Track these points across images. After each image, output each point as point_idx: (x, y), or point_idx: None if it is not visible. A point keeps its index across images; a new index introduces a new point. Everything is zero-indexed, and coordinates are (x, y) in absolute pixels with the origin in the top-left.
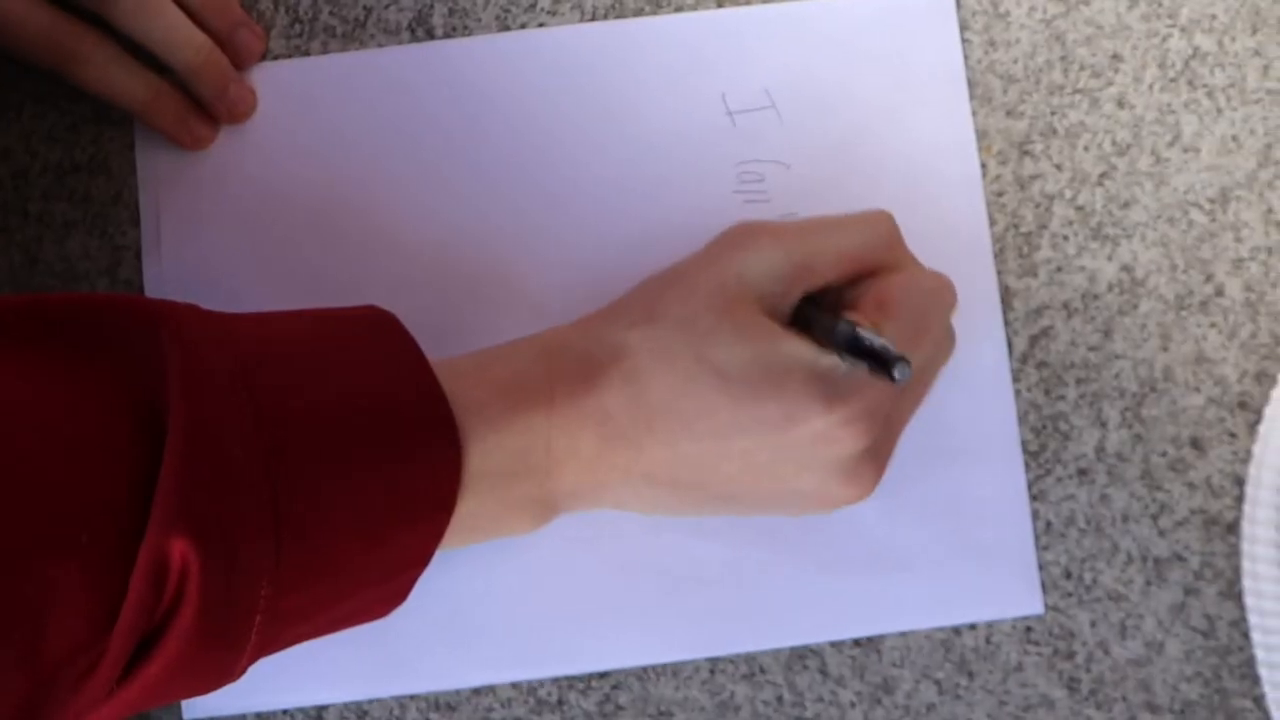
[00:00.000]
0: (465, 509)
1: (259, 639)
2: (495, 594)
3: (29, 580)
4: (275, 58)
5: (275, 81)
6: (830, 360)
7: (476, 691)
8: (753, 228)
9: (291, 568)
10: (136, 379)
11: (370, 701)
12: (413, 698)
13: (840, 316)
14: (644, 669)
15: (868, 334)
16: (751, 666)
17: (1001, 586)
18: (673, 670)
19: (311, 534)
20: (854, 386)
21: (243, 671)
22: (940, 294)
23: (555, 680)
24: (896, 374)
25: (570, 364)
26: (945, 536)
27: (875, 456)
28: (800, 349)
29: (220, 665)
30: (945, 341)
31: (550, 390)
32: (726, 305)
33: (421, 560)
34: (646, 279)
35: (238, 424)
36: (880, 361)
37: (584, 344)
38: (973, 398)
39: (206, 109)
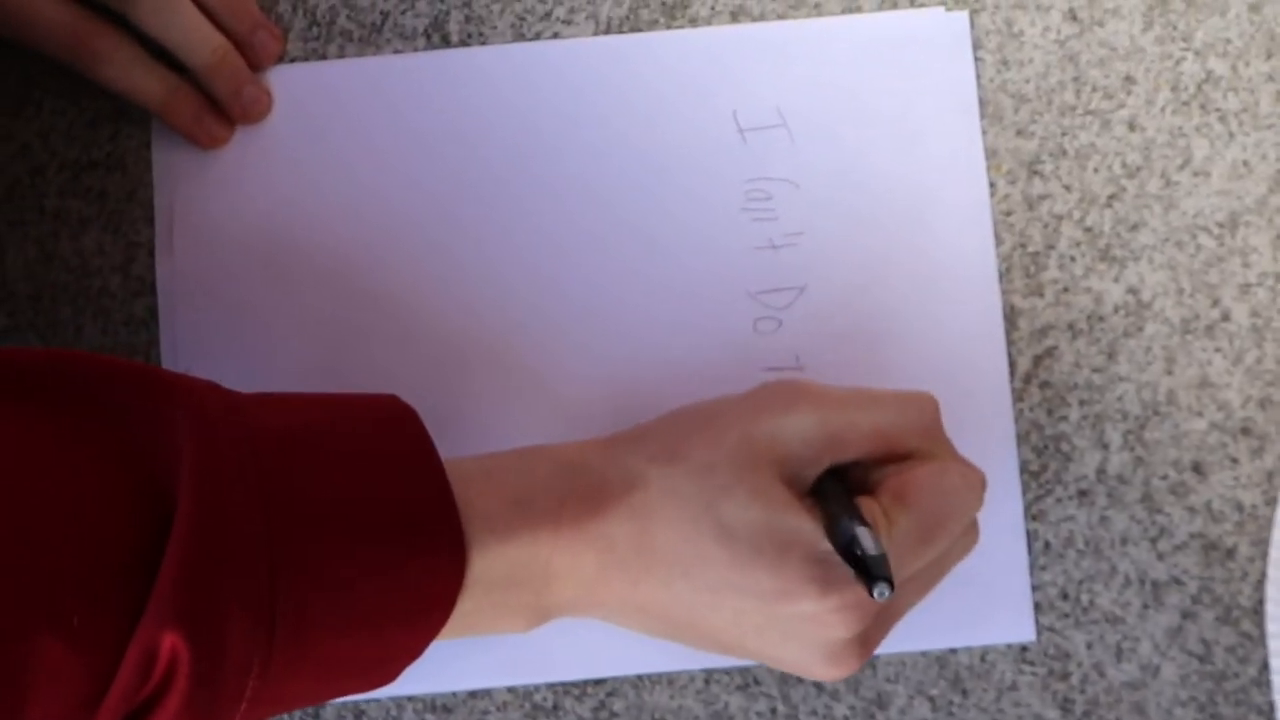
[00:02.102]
0: (460, 609)
1: None
2: None
3: (13, 655)
4: (292, 60)
5: (291, 84)
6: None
7: (473, 695)
8: (794, 389)
9: (282, 662)
10: (144, 454)
11: (367, 701)
12: (409, 699)
13: (853, 503)
14: (639, 678)
15: (866, 540)
16: (746, 678)
17: (994, 612)
18: (668, 680)
19: (306, 630)
20: (850, 576)
21: None
22: (963, 494)
23: (551, 686)
24: (875, 593)
25: (583, 484)
26: None
27: (863, 643)
28: (808, 527)
29: None
30: (964, 540)
31: (559, 508)
32: (749, 462)
33: (411, 655)
34: (680, 409)
35: (245, 518)
36: (866, 575)
37: (600, 466)
38: (972, 422)
39: (222, 109)
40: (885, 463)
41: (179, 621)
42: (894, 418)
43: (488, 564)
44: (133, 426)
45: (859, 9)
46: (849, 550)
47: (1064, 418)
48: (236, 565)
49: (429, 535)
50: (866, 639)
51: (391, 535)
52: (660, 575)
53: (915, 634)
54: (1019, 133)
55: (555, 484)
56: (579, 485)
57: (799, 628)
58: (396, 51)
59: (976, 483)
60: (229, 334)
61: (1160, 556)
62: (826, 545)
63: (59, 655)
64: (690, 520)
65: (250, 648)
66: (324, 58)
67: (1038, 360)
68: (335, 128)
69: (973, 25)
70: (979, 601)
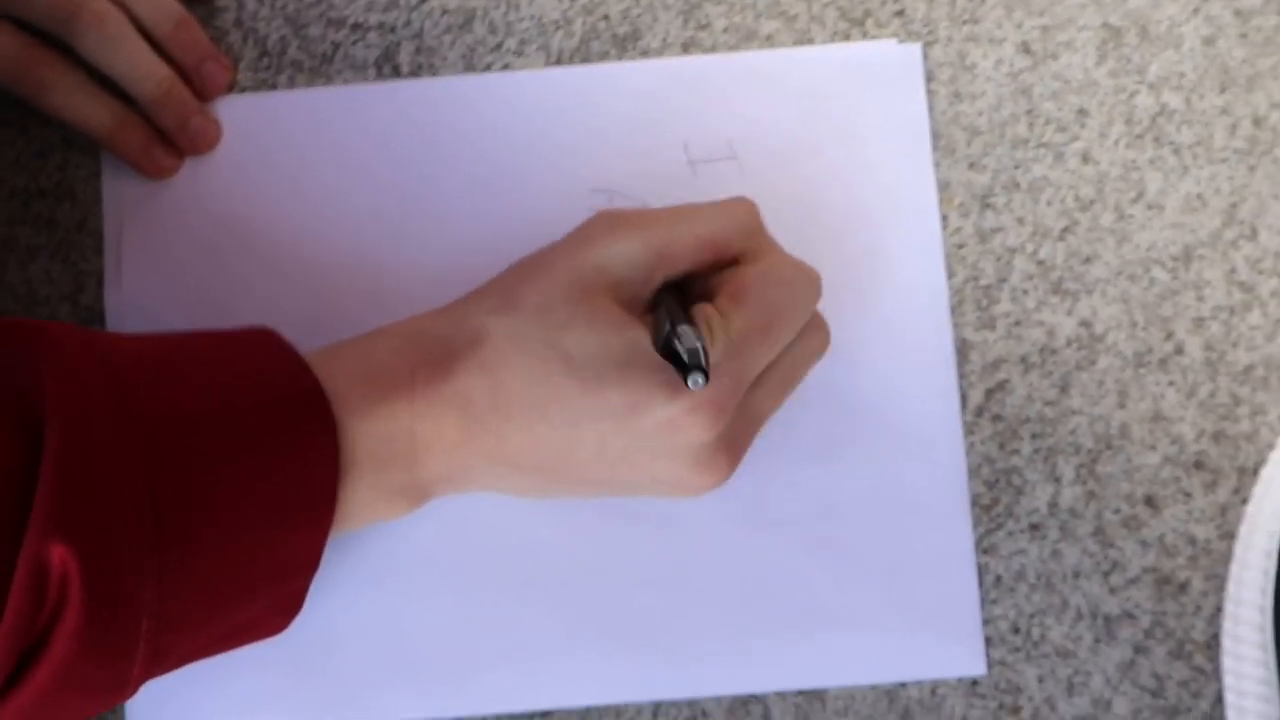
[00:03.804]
0: (340, 499)
1: (148, 648)
2: (439, 630)
3: None
4: (243, 90)
5: (241, 114)
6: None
7: None
8: (613, 217)
9: (177, 570)
10: (15, 395)
11: None
12: None
13: (682, 309)
14: (586, 709)
15: (685, 334)
16: (694, 710)
17: (944, 646)
18: (615, 711)
19: (195, 535)
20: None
21: (135, 687)
22: (798, 284)
23: (498, 717)
24: (690, 382)
25: (430, 350)
26: (889, 594)
27: (729, 445)
28: (647, 339)
29: (110, 676)
30: (813, 334)
31: (411, 377)
32: (582, 295)
33: (310, 562)
34: (510, 266)
35: (113, 431)
36: (681, 366)
37: (444, 329)
38: (922, 454)
39: (170, 139)
40: (718, 270)
41: (62, 530)
42: (713, 224)
43: (353, 444)
44: (2, 370)
45: (811, 41)
46: (670, 348)
47: (1016, 451)
48: (110, 476)
49: (300, 425)
50: (731, 440)
51: (261, 429)
52: (521, 422)
53: (863, 667)
54: (971, 165)
55: (402, 355)
56: (425, 351)
57: (660, 439)
58: (347, 82)
59: (809, 273)
60: None
61: (1113, 590)
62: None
63: None
64: (538, 361)
65: (138, 554)
66: (274, 88)
67: (989, 393)
68: (285, 158)
69: (925, 57)
70: (929, 635)
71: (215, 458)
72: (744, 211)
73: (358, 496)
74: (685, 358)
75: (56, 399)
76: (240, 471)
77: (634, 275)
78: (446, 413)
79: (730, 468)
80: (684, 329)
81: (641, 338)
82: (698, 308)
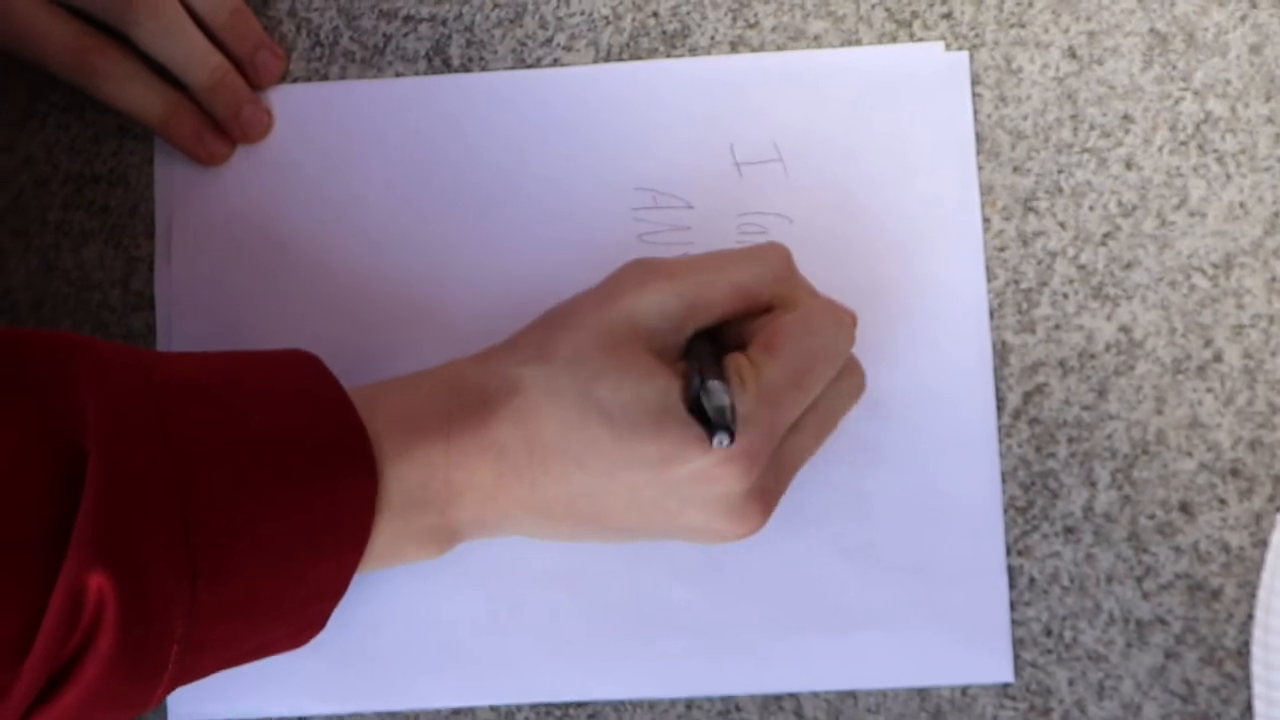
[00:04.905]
0: (372, 537)
1: (176, 668)
2: (478, 620)
3: None
4: (295, 79)
5: (293, 104)
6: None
7: (456, 712)
8: (646, 267)
9: (208, 599)
10: (55, 414)
11: (352, 715)
12: (393, 714)
13: (714, 360)
14: (621, 702)
15: (714, 390)
16: (728, 706)
17: (973, 652)
18: (649, 705)
19: (227, 566)
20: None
21: (159, 701)
22: (830, 331)
23: (534, 706)
24: (715, 441)
25: (467, 398)
26: (919, 599)
27: (762, 495)
28: (682, 390)
29: (137, 694)
30: (847, 378)
31: (447, 424)
32: (615, 345)
33: (337, 591)
34: (544, 314)
35: (153, 458)
36: (708, 425)
37: (480, 378)
38: (957, 458)
39: (222, 127)
40: (753, 317)
41: (100, 558)
42: (746, 272)
43: (388, 486)
44: (42, 387)
45: (858, 41)
46: (698, 404)
47: (1052, 454)
48: (149, 503)
49: (339, 461)
50: (764, 490)
51: (301, 466)
52: (555, 472)
53: (892, 670)
54: (1015, 169)
55: (439, 401)
56: (462, 399)
57: (692, 489)
58: (398, 74)
59: (845, 320)
60: (227, 348)
61: (1145, 596)
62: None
63: None
64: (573, 411)
65: (174, 584)
66: (326, 78)
67: (1027, 396)
68: (335, 148)
69: (971, 61)
70: (958, 640)
71: (253, 489)
72: (776, 258)
73: (388, 537)
74: (711, 415)
75: (100, 423)
76: (277, 505)
77: (666, 325)
78: (482, 461)
79: (764, 517)
80: (713, 385)
81: (674, 388)
82: (730, 357)
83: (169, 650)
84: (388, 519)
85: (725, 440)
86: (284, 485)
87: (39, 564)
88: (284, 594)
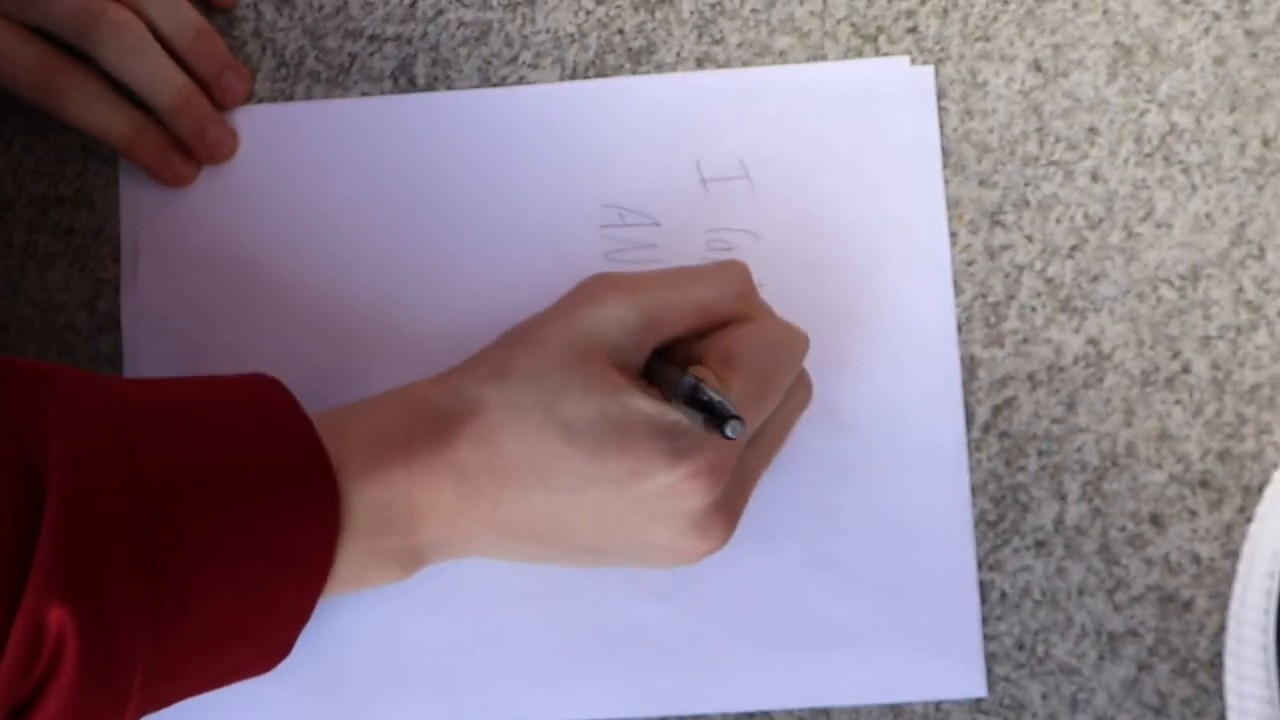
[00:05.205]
0: (336, 561)
1: (141, 697)
2: (447, 643)
3: None
4: (260, 100)
5: (258, 124)
6: (675, 415)
7: None
8: (605, 281)
9: (172, 627)
10: (19, 444)
11: None
12: None
13: (686, 370)
14: None
15: (709, 390)
16: None
17: (945, 667)
18: None
19: (191, 593)
20: (698, 441)
21: None
22: (787, 347)
23: None
24: (729, 431)
25: (427, 418)
26: (891, 614)
27: (726, 509)
28: (646, 404)
29: None
30: (798, 393)
31: (409, 444)
32: (576, 361)
33: (302, 616)
34: (504, 333)
35: (116, 486)
36: (715, 417)
37: (440, 398)
38: (927, 472)
39: (188, 148)
40: (707, 334)
41: (61, 591)
42: (707, 289)
43: (350, 509)
44: (3, 419)
45: (824, 57)
46: (693, 403)
47: (1022, 468)
48: (112, 533)
49: (302, 486)
50: (729, 504)
51: (265, 489)
52: (517, 489)
53: (864, 687)
54: (981, 183)
55: (400, 422)
56: (423, 420)
57: (658, 504)
58: (364, 93)
59: (797, 335)
60: (193, 370)
61: (1117, 608)
62: (669, 417)
63: None
64: (535, 428)
65: (137, 615)
66: (292, 98)
67: (996, 410)
68: (302, 168)
69: (937, 74)
70: (930, 656)
71: (216, 516)
72: (736, 275)
73: (352, 560)
74: (716, 408)
75: (61, 453)
76: (240, 530)
77: (627, 340)
78: (444, 481)
79: (728, 532)
80: (706, 386)
81: (641, 403)
82: (693, 370)
83: (132, 680)
84: (352, 542)
85: (739, 428)
86: (247, 510)
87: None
88: (249, 619)
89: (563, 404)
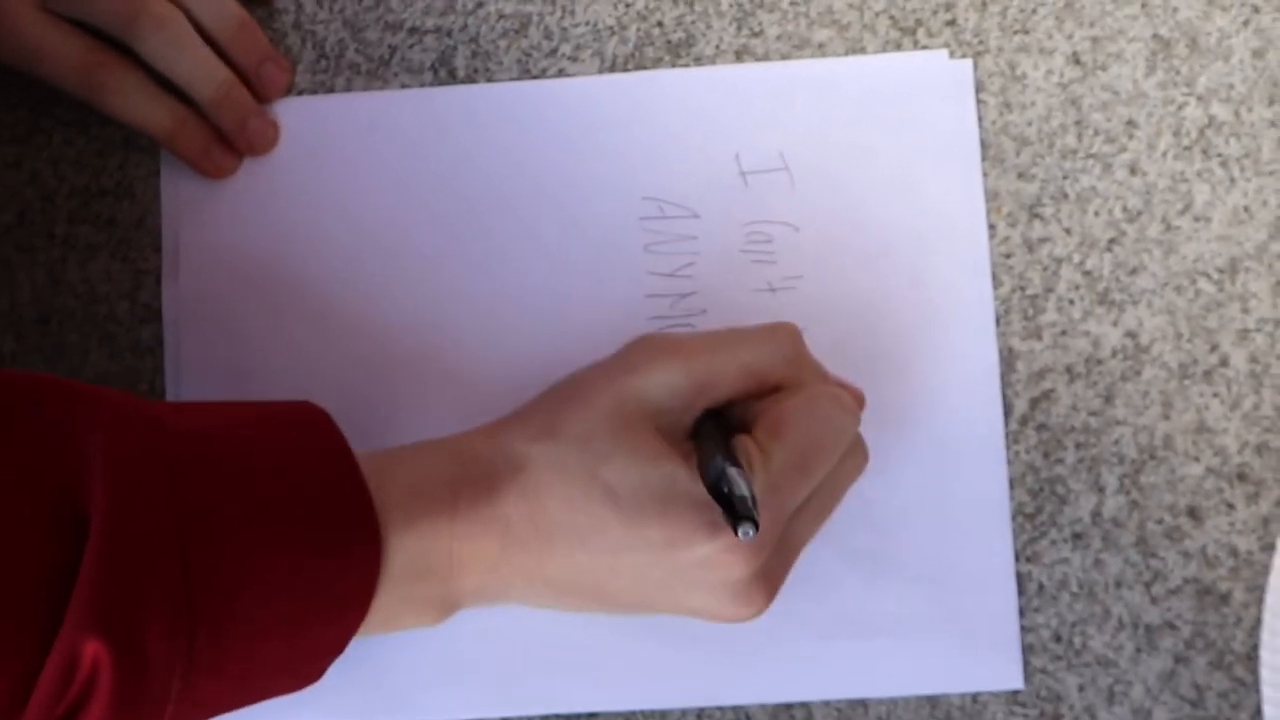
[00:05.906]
0: (373, 603)
1: None
2: (486, 630)
3: None
4: (300, 92)
5: (299, 116)
6: None
7: None
8: (654, 345)
9: (205, 660)
10: (57, 469)
11: None
12: None
13: (727, 443)
14: (630, 713)
15: (734, 479)
16: (738, 715)
17: (983, 659)
18: (659, 715)
19: (227, 630)
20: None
21: None
22: (836, 417)
23: (543, 718)
24: (740, 533)
25: (473, 471)
26: (929, 606)
27: (766, 578)
28: (687, 475)
29: None
30: (851, 460)
31: (453, 496)
32: (623, 425)
33: (334, 651)
34: (552, 387)
35: (158, 522)
36: (732, 513)
37: (487, 452)
38: (965, 464)
39: (229, 140)
40: (759, 397)
41: (98, 626)
42: (756, 353)
43: (391, 556)
44: (43, 442)
45: (863, 49)
46: (718, 490)
47: (1060, 460)
48: (152, 568)
49: (344, 528)
50: (769, 574)
51: (307, 529)
52: (561, 549)
53: (902, 678)
54: (1020, 175)
55: (446, 473)
56: (469, 473)
57: (698, 574)
58: (403, 85)
59: (850, 403)
60: (233, 361)
61: (1154, 600)
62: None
63: None
64: (578, 491)
65: (171, 650)
66: (332, 90)
67: (1034, 403)
68: (341, 160)
69: (976, 67)
70: (967, 648)
71: (255, 554)
72: (787, 339)
73: (388, 605)
74: (735, 506)
75: (105, 487)
76: (279, 570)
77: (675, 404)
78: (487, 535)
79: (767, 601)
80: (733, 473)
81: (681, 473)
82: (738, 440)
83: (163, 711)
84: (390, 588)
85: (750, 531)
86: (287, 551)
87: (36, 624)
88: (281, 655)
89: (606, 469)
